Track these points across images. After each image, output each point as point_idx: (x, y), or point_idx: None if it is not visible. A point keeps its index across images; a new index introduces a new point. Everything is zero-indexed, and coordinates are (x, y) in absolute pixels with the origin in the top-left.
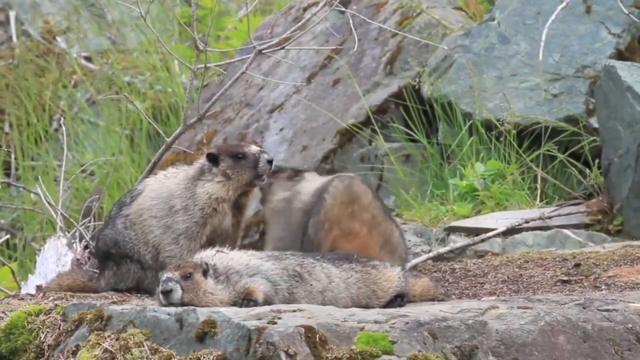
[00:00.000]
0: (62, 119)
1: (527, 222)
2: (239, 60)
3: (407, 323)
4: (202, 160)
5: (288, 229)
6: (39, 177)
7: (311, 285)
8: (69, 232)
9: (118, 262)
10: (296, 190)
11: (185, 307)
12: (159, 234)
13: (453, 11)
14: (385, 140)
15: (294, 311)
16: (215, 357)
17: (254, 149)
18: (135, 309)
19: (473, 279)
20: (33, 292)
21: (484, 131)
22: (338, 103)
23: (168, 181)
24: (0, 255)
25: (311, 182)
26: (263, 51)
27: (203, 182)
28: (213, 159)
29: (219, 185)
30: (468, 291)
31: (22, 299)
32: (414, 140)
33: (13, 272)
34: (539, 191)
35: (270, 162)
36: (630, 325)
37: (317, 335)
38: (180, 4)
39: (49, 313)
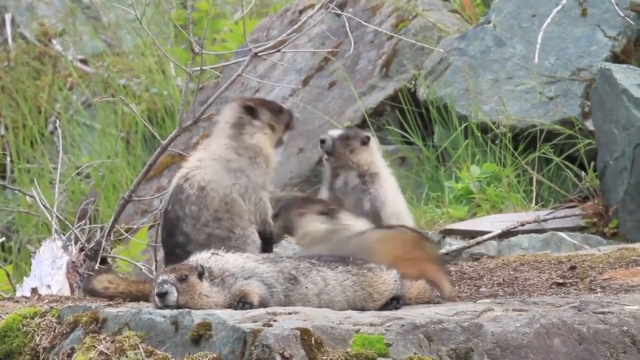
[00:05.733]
0: (58, 121)
1: (522, 224)
2: (235, 62)
3: (402, 325)
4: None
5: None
6: (35, 179)
7: (307, 288)
8: (64, 235)
9: None
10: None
11: (180, 310)
12: None
13: (449, 14)
14: (381, 142)
15: (290, 314)
16: None
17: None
18: (130, 312)
19: (469, 281)
20: (28, 294)
21: (479, 134)
22: (334, 105)
23: None
24: None
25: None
26: (259, 54)
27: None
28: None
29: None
30: (464, 294)
31: (18, 301)
32: (409, 143)
33: (8, 275)
34: (534, 194)
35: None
36: (626, 328)
37: (313, 338)
38: (176, 6)
39: (44, 316)
